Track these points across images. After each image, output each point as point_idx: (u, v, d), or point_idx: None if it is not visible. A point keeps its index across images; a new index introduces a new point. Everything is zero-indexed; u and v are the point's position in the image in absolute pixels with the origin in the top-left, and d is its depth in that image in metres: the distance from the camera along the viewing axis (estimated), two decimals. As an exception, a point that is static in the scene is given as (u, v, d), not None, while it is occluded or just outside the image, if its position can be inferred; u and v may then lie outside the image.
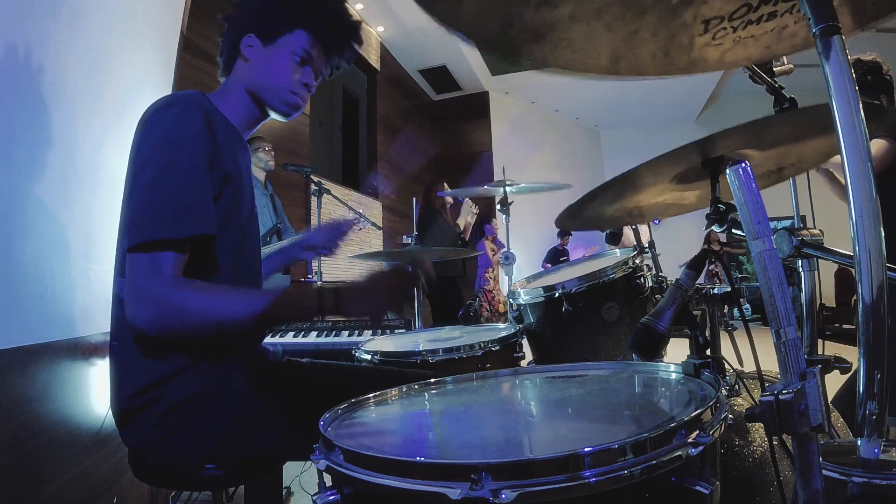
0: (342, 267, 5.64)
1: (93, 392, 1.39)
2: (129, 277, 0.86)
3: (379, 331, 2.16)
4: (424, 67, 7.55)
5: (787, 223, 1.32)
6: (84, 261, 1.37)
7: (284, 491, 2.00)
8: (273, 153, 3.29)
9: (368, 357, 1.43)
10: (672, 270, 1.36)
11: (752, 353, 0.91)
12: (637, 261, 1.58)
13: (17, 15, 1.11)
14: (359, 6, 5.92)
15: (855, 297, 0.59)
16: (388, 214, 6.88)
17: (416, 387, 0.94)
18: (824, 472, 0.63)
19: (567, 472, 0.49)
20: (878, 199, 0.57)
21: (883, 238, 0.58)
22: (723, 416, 0.59)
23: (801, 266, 1.02)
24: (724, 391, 0.66)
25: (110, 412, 0.98)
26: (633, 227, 1.81)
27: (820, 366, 0.58)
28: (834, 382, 1.34)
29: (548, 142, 9.52)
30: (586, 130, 10.64)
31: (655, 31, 0.75)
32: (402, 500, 0.54)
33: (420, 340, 1.65)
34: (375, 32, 6.57)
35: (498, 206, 2.36)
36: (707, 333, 0.90)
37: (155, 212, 0.86)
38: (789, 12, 0.72)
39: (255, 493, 1.20)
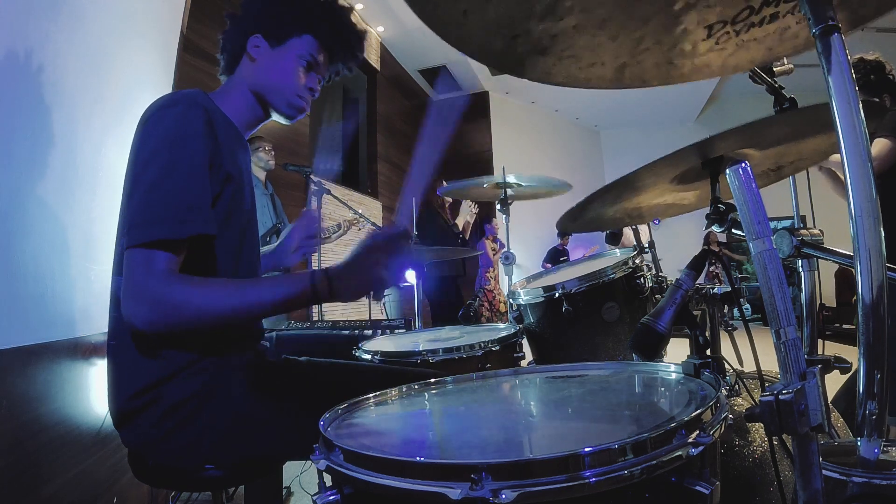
0: (342, 266, 5.62)
1: (93, 392, 1.39)
2: (125, 276, 0.86)
3: (379, 331, 2.16)
4: (424, 67, 7.55)
5: (787, 223, 1.32)
6: (84, 261, 1.37)
7: (284, 491, 2.00)
8: (273, 153, 3.30)
9: (368, 357, 1.43)
10: (672, 270, 1.36)
11: (752, 353, 0.91)
12: (637, 261, 1.58)
13: (18, 15, 1.11)
14: (359, 6, 5.92)
15: (855, 297, 0.59)
16: (388, 214, 6.88)
17: (416, 387, 0.94)
18: (824, 472, 0.63)
19: (567, 472, 0.49)
20: (878, 199, 0.57)
21: (883, 238, 0.58)
22: (723, 416, 0.59)
23: (801, 266, 1.02)
24: (724, 391, 0.65)
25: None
26: (633, 227, 1.81)
27: (820, 366, 0.58)
28: (834, 382, 1.34)
29: (548, 142, 9.52)
30: (586, 130, 10.64)
31: (659, 38, 0.75)
32: (402, 500, 0.53)
33: (420, 340, 1.65)
34: (375, 32, 6.56)
35: (498, 206, 2.36)
36: (707, 333, 0.90)
37: (156, 212, 0.86)
38: (791, 13, 0.72)
39: (255, 494, 1.20)
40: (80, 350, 1.36)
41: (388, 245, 0.86)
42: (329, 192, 2.87)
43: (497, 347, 1.42)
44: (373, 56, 6.57)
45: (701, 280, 0.93)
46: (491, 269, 5.42)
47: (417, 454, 0.61)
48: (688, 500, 0.52)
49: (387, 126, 7.35)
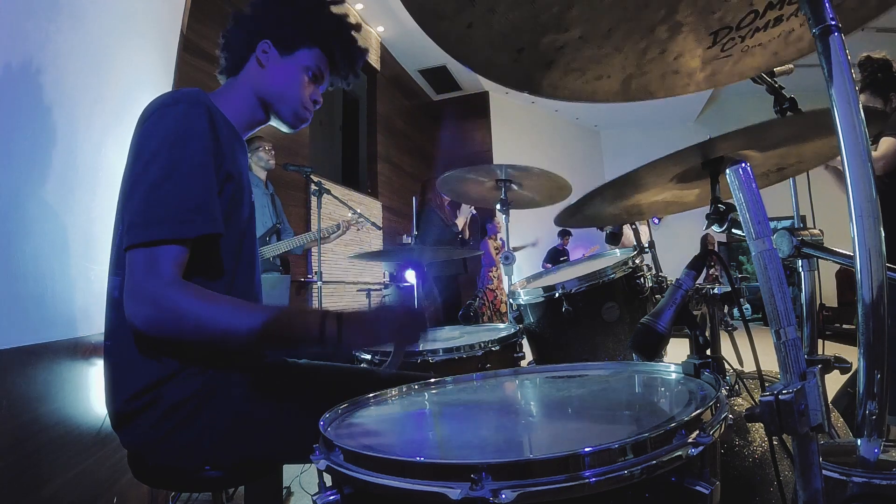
0: (342, 266, 5.64)
1: (93, 392, 1.39)
2: (128, 275, 0.85)
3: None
4: (424, 67, 7.55)
5: (787, 223, 1.32)
6: (84, 261, 1.37)
7: (284, 491, 2.00)
8: (273, 152, 3.30)
9: (368, 357, 1.43)
10: (672, 270, 1.36)
11: (752, 353, 0.91)
12: (637, 261, 1.58)
13: (18, 15, 1.11)
14: (359, 6, 5.92)
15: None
16: (387, 214, 6.89)
17: (416, 387, 0.94)
18: (824, 472, 0.63)
19: (567, 472, 0.49)
20: (878, 199, 0.57)
21: (883, 238, 0.58)
22: (723, 416, 0.59)
23: (801, 266, 1.02)
24: (724, 391, 0.65)
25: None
26: (633, 227, 1.81)
27: (820, 366, 0.58)
28: (834, 382, 1.34)
29: (548, 142, 9.53)
30: (586, 130, 10.64)
31: (664, 47, 0.74)
32: (402, 500, 0.53)
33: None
34: (375, 32, 6.57)
35: (498, 206, 2.35)
36: (707, 333, 0.90)
37: (160, 212, 0.86)
38: (794, 15, 0.72)
39: (255, 494, 1.20)
40: (80, 350, 1.36)
41: (408, 314, 0.88)
42: (329, 192, 2.87)
43: (497, 347, 1.42)
44: (373, 56, 6.57)
45: (700, 280, 0.93)
46: (494, 269, 5.42)
47: (417, 454, 0.61)
48: (688, 500, 0.52)
49: (387, 126, 7.35)
